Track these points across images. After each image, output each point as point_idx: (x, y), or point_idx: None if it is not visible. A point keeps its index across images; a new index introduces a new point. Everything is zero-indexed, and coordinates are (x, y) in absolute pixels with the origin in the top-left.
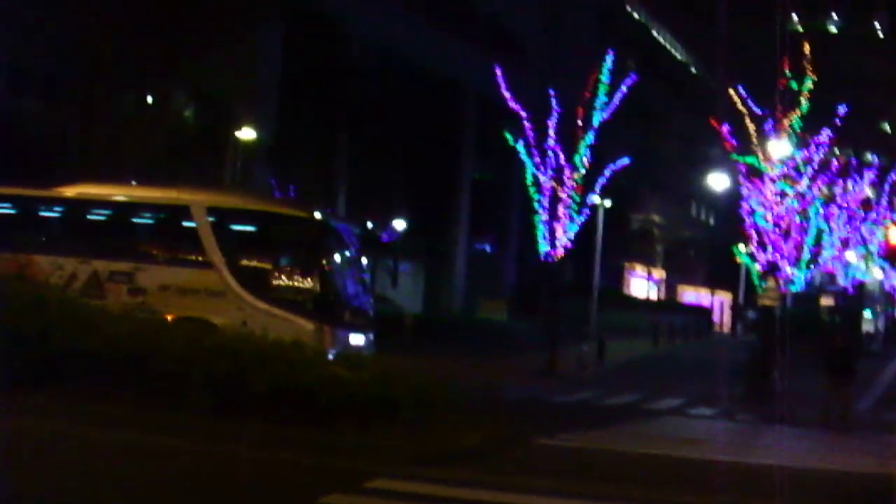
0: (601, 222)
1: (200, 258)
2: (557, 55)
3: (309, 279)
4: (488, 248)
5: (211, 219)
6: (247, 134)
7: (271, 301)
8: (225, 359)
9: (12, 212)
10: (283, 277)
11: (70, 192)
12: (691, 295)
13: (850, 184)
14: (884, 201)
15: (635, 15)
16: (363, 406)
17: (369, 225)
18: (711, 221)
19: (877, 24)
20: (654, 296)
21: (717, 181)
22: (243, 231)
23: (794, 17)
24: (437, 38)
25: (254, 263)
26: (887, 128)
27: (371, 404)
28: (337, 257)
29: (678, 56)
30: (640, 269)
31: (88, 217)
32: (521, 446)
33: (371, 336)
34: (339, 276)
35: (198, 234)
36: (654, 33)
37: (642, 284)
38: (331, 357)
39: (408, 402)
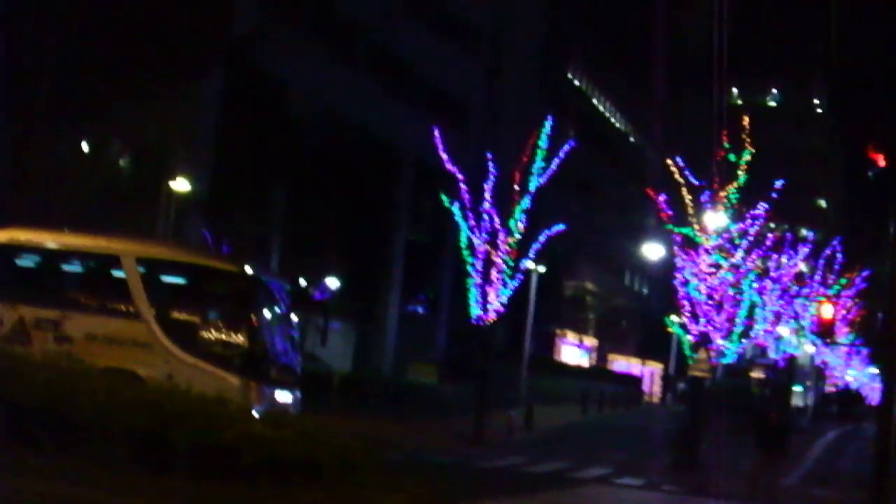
0: (534, 288)
1: (128, 308)
2: (497, 119)
3: (237, 334)
4: (421, 310)
5: (140, 269)
6: (181, 185)
7: (198, 355)
8: (145, 412)
9: None
10: (212, 331)
11: (1, 236)
12: (622, 364)
13: (784, 258)
14: (817, 276)
15: (576, 82)
16: (286, 465)
17: (302, 282)
18: (645, 291)
19: (815, 101)
20: (585, 363)
21: (652, 251)
22: (173, 283)
23: (734, 90)
24: (377, 99)
25: (182, 316)
26: (823, 203)
27: (294, 464)
28: (266, 313)
29: (617, 124)
30: (571, 336)
31: (17, 262)
32: None
33: (298, 394)
34: (267, 332)
35: (126, 285)
36: (594, 101)
37: (574, 351)
38: (256, 414)
39: (331, 463)
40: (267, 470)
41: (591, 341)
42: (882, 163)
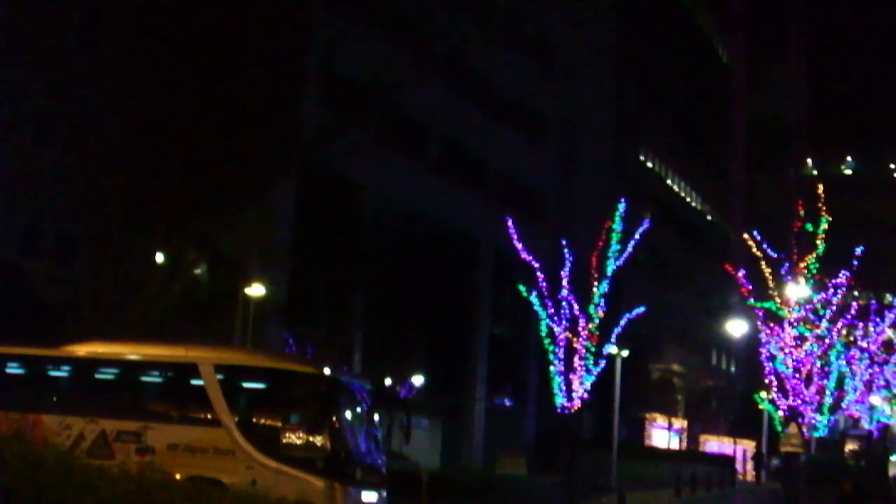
0: (619, 373)
1: (209, 416)
2: (572, 206)
3: (319, 437)
4: (507, 403)
5: (219, 376)
6: (257, 291)
7: (281, 459)
8: None
9: (21, 372)
10: (293, 435)
11: (79, 351)
12: (714, 444)
13: (870, 326)
14: None
15: (649, 163)
16: None
17: (387, 381)
18: (732, 369)
19: (892, 165)
20: (675, 446)
21: (736, 327)
22: (252, 388)
23: (809, 161)
24: (451, 194)
25: (263, 421)
26: None
27: None
28: (347, 414)
29: (693, 203)
30: (660, 420)
31: (96, 376)
32: None
33: (384, 494)
34: (349, 433)
35: (206, 393)
36: (669, 181)
37: (663, 435)
38: None
39: None
40: None
41: (680, 423)
42: None
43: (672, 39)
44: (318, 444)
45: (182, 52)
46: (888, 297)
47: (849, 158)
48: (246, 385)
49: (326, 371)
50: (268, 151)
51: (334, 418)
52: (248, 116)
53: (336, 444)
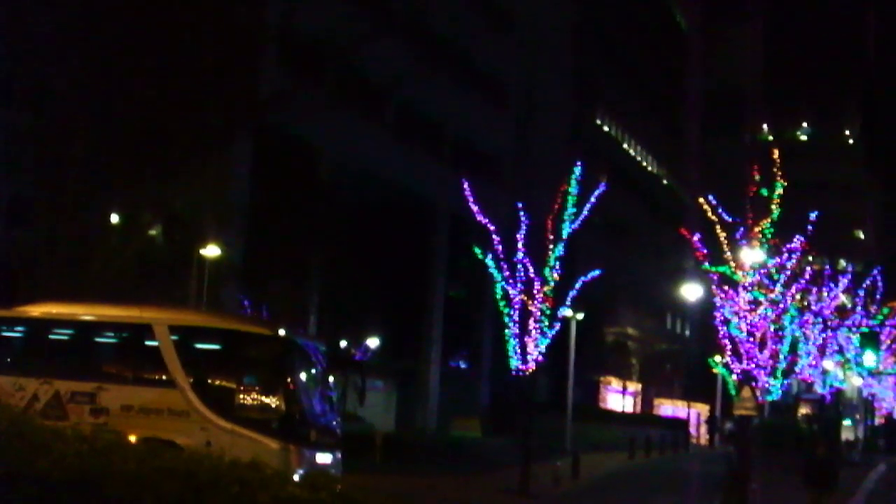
0: (573, 336)
1: (163, 377)
2: (528, 170)
3: (274, 398)
4: (462, 366)
5: (174, 337)
6: (212, 251)
7: (236, 420)
8: (177, 480)
9: None
10: (248, 396)
11: (33, 311)
12: (668, 408)
13: (824, 291)
14: (859, 308)
15: (606, 127)
16: None
17: (342, 343)
18: (687, 333)
19: (847, 132)
20: (629, 409)
21: (691, 292)
22: (207, 350)
23: (764, 126)
24: (408, 157)
25: (218, 382)
26: (861, 234)
27: None
28: (303, 375)
29: (650, 168)
30: (615, 383)
31: (50, 337)
32: None
33: (338, 455)
34: (305, 395)
35: (160, 354)
36: (625, 146)
37: (618, 398)
38: (297, 477)
39: None
40: None
41: (635, 387)
42: None
43: (629, 3)
44: (273, 405)
45: (138, 9)
46: (842, 263)
47: (804, 124)
48: (201, 346)
49: (281, 332)
50: (224, 112)
51: (289, 380)
52: (204, 76)
53: (291, 406)
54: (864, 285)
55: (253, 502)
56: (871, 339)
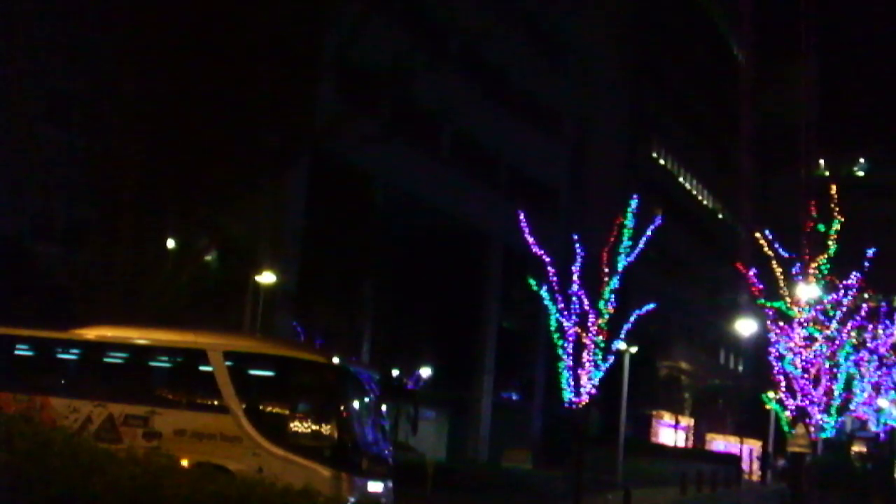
0: (627, 369)
1: (217, 403)
2: (583, 202)
3: (326, 425)
4: (515, 397)
5: (228, 363)
6: (267, 278)
7: (288, 447)
8: None
9: (30, 354)
10: (301, 423)
11: (88, 334)
12: (720, 443)
13: (880, 328)
14: None
15: (661, 161)
16: None
17: (395, 372)
18: (740, 368)
19: None
20: (681, 444)
21: (745, 327)
22: (260, 376)
23: (821, 162)
24: (463, 186)
25: (271, 409)
26: None
27: None
28: (355, 403)
29: (705, 201)
30: (667, 417)
31: (105, 360)
32: None
33: (390, 484)
34: (357, 423)
35: (214, 379)
36: (681, 179)
37: (670, 432)
38: None
39: None
40: None
41: (687, 421)
42: None
43: (686, 37)
44: (326, 432)
45: (199, 37)
46: None
47: (861, 160)
48: (254, 372)
49: (335, 360)
50: (280, 139)
51: (342, 407)
52: (261, 103)
53: (343, 434)
54: None
55: None
56: None
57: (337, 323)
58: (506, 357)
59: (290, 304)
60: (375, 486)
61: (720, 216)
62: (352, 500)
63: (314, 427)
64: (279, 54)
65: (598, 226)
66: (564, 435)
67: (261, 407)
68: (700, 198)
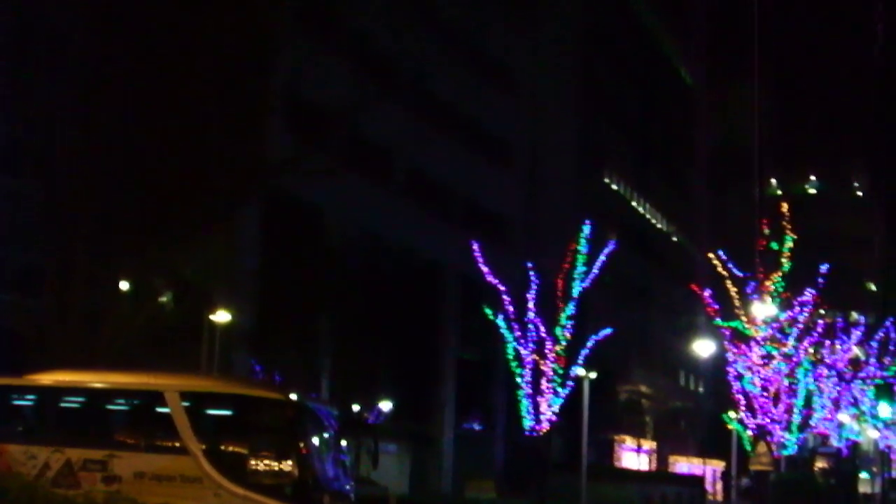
0: (587, 395)
1: (176, 444)
2: (537, 230)
3: (286, 463)
4: (476, 427)
5: (185, 404)
6: (222, 317)
7: (248, 486)
8: None
9: None
10: (261, 462)
11: (44, 379)
12: (683, 465)
13: (837, 344)
14: (873, 360)
15: (614, 186)
16: None
17: (355, 408)
18: (700, 389)
19: (856, 184)
20: (645, 467)
21: (703, 348)
22: (218, 415)
23: (773, 181)
24: (416, 219)
25: (230, 448)
26: (872, 287)
27: None
28: (314, 440)
29: (659, 225)
30: (629, 441)
31: (61, 405)
32: None
33: None
34: (317, 460)
35: (172, 420)
36: (634, 203)
37: (633, 456)
38: None
39: None
40: None
41: (650, 445)
42: None
43: (635, 62)
44: (286, 470)
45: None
46: (854, 315)
47: (812, 178)
48: (212, 412)
49: (293, 397)
50: (232, 177)
51: (301, 444)
52: (211, 142)
53: (303, 471)
54: (877, 337)
55: None
56: (885, 391)
57: (295, 360)
58: (466, 388)
59: (247, 343)
60: None
61: (675, 239)
62: None
63: (274, 465)
64: (227, 94)
65: (552, 253)
66: (527, 463)
67: (220, 447)
68: (654, 221)
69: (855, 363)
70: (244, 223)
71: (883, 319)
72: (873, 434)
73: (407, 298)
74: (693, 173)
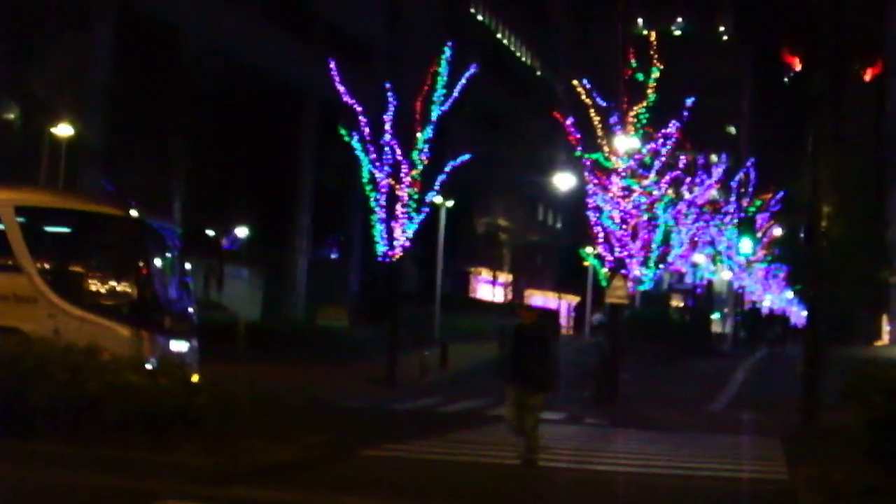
0: (443, 222)
1: (9, 262)
2: (399, 55)
3: (125, 282)
4: (332, 255)
5: (20, 219)
6: (64, 130)
7: (85, 307)
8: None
9: None
10: (99, 281)
11: None
12: (539, 299)
13: (696, 183)
14: (732, 200)
15: (479, 16)
16: (158, 418)
17: (210, 233)
18: (559, 225)
19: (721, 28)
20: (500, 300)
21: (563, 181)
22: (56, 232)
23: (639, 21)
24: (276, 41)
25: (67, 266)
26: (733, 130)
27: (167, 415)
28: (156, 259)
29: (523, 57)
30: (486, 273)
31: None
32: (345, 459)
33: (195, 343)
34: (158, 279)
35: (5, 236)
36: (499, 34)
37: (488, 289)
38: (150, 365)
39: (211, 413)
40: (137, 424)
41: (506, 278)
42: (798, 66)
43: None
44: (125, 290)
45: None
46: (714, 158)
47: (679, 19)
48: (49, 228)
49: (133, 213)
50: None
51: (141, 263)
52: None
53: (143, 291)
54: (738, 177)
55: (83, 390)
56: (747, 227)
57: (149, 181)
58: (324, 215)
59: (97, 162)
60: (179, 345)
61: (539, 73)
62: (153, 358)
63: (112, 284)
64: None
65: (413, 77)
66: (381, 292)
67: (57, 265)
68: (518, 54)
69: (714, 204)
70: (96, 39)
71: (742, 163)
72: (727, 275)
73: (265, 123)
74: (557, 4)
